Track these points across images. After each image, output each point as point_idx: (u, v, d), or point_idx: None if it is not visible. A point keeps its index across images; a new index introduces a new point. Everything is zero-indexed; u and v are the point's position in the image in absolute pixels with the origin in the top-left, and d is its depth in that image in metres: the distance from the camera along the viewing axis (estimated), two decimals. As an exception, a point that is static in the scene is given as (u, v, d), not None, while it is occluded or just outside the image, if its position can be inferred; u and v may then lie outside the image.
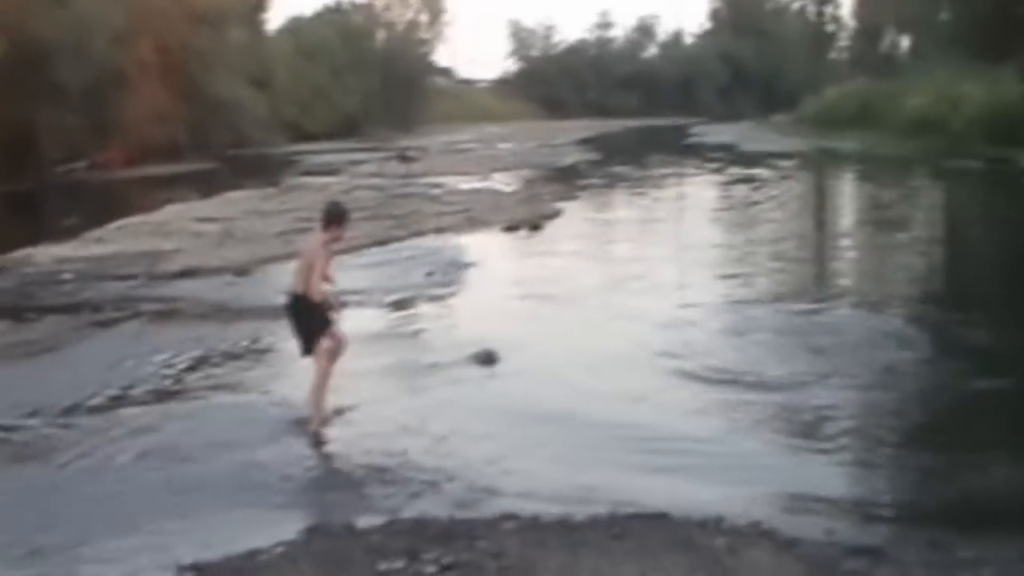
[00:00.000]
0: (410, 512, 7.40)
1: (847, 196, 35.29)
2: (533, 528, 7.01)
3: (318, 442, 9.09)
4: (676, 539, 6.73)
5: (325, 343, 9.45)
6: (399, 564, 6.41)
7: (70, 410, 10.25)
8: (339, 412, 9.66)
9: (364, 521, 7.25)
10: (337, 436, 9.24)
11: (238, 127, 60.76)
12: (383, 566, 6.39)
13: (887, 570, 6.31)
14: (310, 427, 9.25)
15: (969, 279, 18.43)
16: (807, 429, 9.34)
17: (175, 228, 24.38)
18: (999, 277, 18.30)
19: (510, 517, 7.19)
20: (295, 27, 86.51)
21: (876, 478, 8.34)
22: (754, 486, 7.86)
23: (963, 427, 9.55)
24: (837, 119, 60.91)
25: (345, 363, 10.05)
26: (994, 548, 6.65)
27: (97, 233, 23.80)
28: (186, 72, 54.71)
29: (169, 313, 15.33)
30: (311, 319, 9.50)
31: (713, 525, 6.92)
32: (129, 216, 26.87)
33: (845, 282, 17.55)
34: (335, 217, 9.65)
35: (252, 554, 6.77)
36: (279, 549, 6.80)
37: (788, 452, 8.83)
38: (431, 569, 6.32)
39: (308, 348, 9.54)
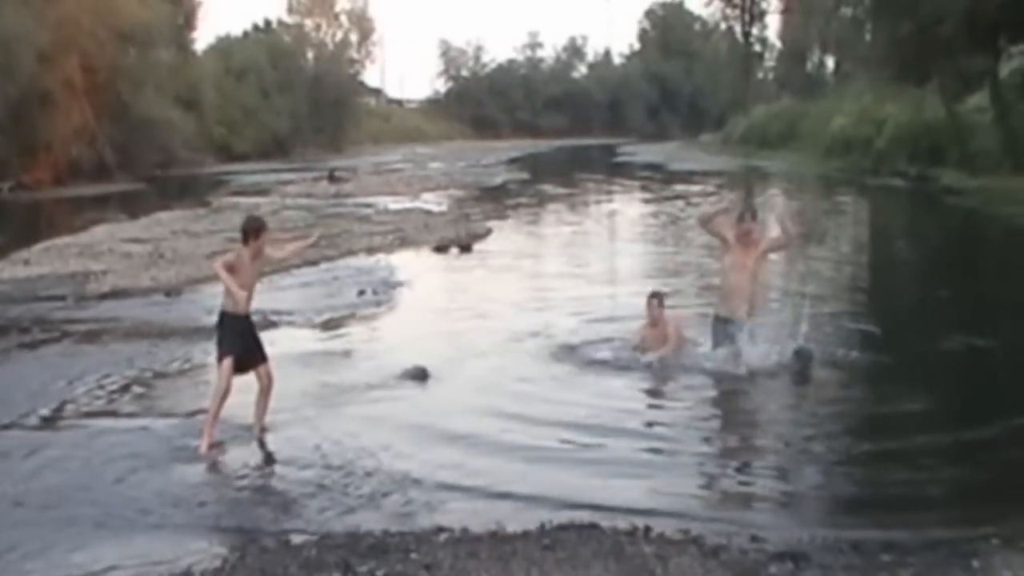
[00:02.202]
0: (344, 526, 7.47)
1: (773, 216, 35.70)
2: (465, 540, 7.11)
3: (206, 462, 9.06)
4: (606, 548, 6.86)
5: (227, 364, 9.42)
6: (333, 577, 6.49)
7: (-1, 430, 10.18)
8: (263, 431, 9.67)
9: (298, 536, 7.30)
10: (272, 453, 9.28)
11: (166, 147, 60.25)
12: (318, 579, 6.47)
13: (811, 574, 6.48)
14: (200, 448, 9.22)
15: (886, 288, 18.99)
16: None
17: (104, 249, 24.15)
18: (914, 285, 18.90)
19: (442, 530, 7.29)
20: (224, 47, 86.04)
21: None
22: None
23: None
24: (764, 139, 61.86)
25: (279, 383, 10.10)
26: (916, 551, 6.84)
27: (24, 254, 23.49)
28: (113, 91, 54.17)
29: (99, 334, 15.19)
30: (224, 331, 9.59)
31: (642, 534, 7.07)
32: (56, 237, 26.58)
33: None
34: (253, 230, 9.69)
35: (187, 571, 6.81)
36: (215, 564, 6.84)
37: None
38: (365, 581, 6.41)
39: (219, 359, 9.59)
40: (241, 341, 9.54)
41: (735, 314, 11.37)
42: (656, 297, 12.45)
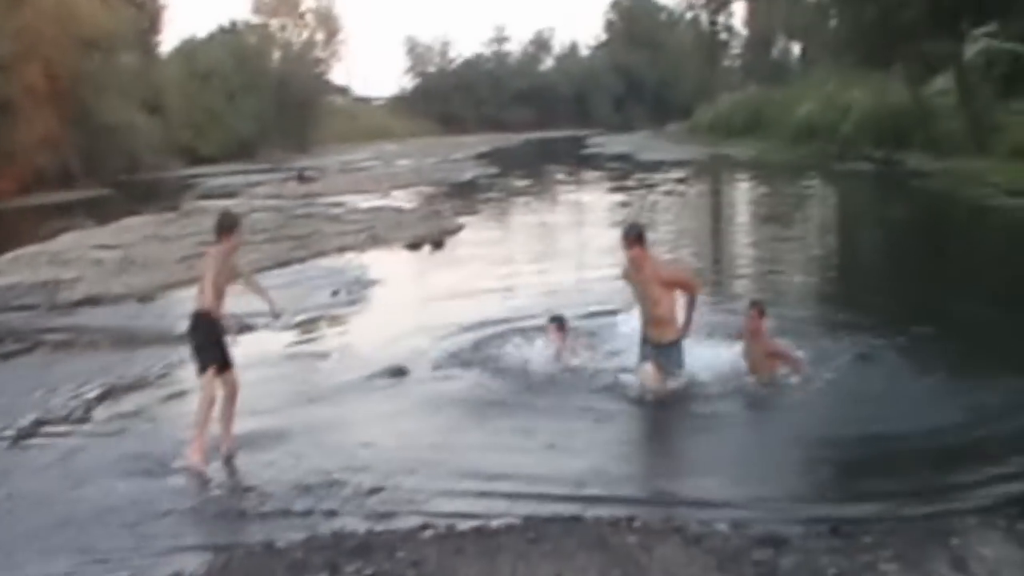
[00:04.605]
0: (328, 527, 7.49)
1: (740, 200, 35.98)
2: (450, 536, 7.16)
3: (199, 477, 8.86)
4: (590, 539, 6.92)
5: (211, 373, 9.25)
6: (321, 578, 6.53)
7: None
8: (232, 438, 9.54)
9: (283, 539, 7.32)
10: (250, 457, 9.25)
11: (132, 152, 59.99)
12: (305, 581, 6.51)
13: (792, 558, 6.55)
14: (188, 459, 9.01)
15: (852, 269, 19.23)
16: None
17: (73, 256, 24.03)
18: (880, 264, 19.35)
19: (427, 527, 7.33)
20: (188, 49, 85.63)
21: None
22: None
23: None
24: (731, 127, 62.11)
25: (256, 385, 10.12)
26: (894, 532, 6.93)
27: (-8, 264, 23.43)
28: (77, 97, 53.88)
29: (73, 342, 15.17)
30: (201, 337, 9.37)
31: (625, 524, 7.13)
32: (24, 246, 26.42)
33: (739, 282, 17.93)
34: (226, 227, 9.50)
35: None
36: (201, 570, 6.86)
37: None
38: (353, 581, 6.45)
39: (202, 368, 9.35)
40: (218, 347, 9.43)
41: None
42: (555, 321, 12.03)
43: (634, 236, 10.45)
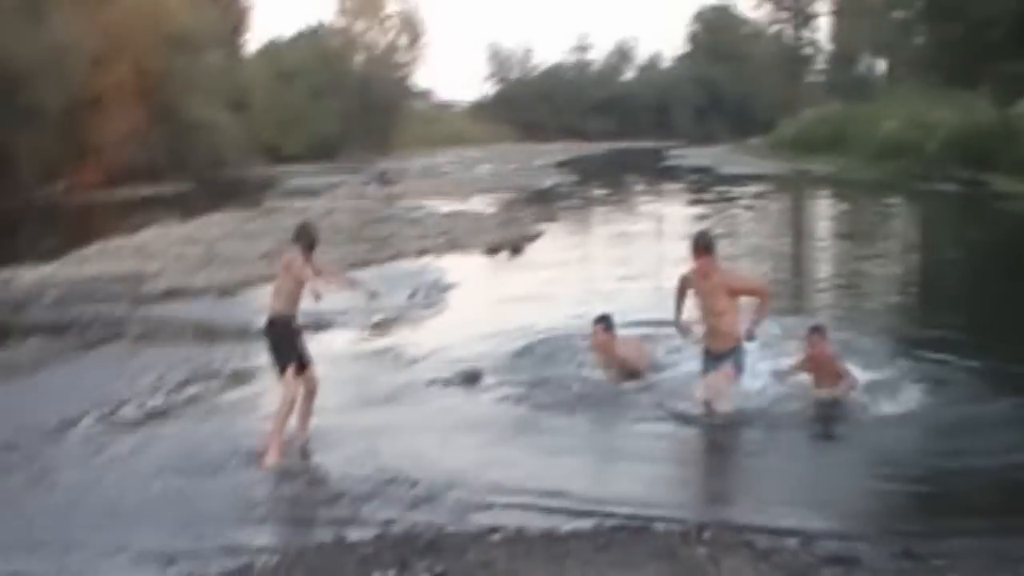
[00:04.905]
0: (400, 525, 7.58)
1: (821, 216, 35.62)
2: (519, 540, 7.21)
3: (274, 473, 8.96)
4: (659, 549, 6.94)
5: (290, 373, 9.40)
6: (391, 573, 6.60)
7: (58, 430, 10.37)
8: (307, 434, 9.72)
9: (355, 534, 7.42)
10: (324, 454, 9.39)
11: (216, 149, 60.70)
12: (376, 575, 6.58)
13: (861, 578, 6.53)
14: (266, 461, 9.08)
15: (931, 290, 19.11)
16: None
17: (157, 249, 24.44)
18: (959, 288, 19.09)
19: (497, 529, 7.39)
20: (273, 50, 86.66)
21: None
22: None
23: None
24: (813, 142, 61.38)
25: (333, 384, 10.25)
26: (965, 556, 6.86)
27: (79, 255, 23.86)
28: (164, 94, 54.69)
29: (155, 334, 15.45)
30: (276, 340, 9.55)
31: (695, 535, 7.13)
32: (110, 238, 26.89)
33: (816, 297, 17.83)
34: (304, 237, 9.65)
35: (247, 567, 6.94)
36: (273, 561, 6.97)
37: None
38: (422, 578, 6.52)
39: (281, 370, 9.51)
40: (294, 348, 9.57)
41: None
42: (601, 322, 11.68)
43: (703, 245, 10.42)
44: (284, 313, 9.54)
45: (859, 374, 10.91)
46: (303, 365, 9.61)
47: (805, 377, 10.78)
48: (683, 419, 10.19)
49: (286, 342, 9.52)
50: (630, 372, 11.39)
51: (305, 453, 9.41)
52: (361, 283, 10.37)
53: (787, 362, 11.17)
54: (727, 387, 10.18)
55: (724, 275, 10.53)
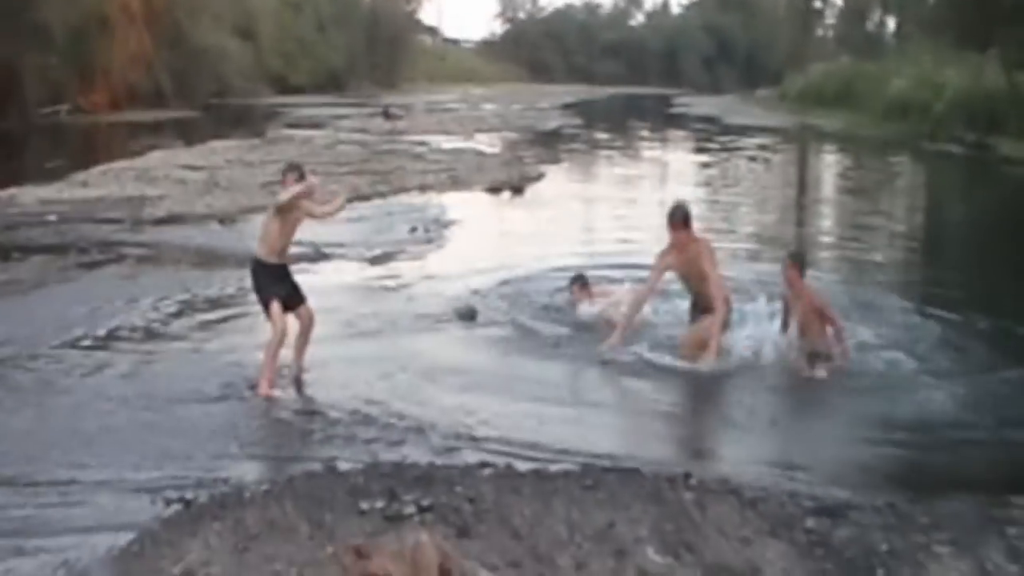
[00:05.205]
0: (390, 457, 7.64)
1: (826, 172, 35.54)
2: (508, 476, 7.26)
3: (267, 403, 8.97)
4: (646, 492, 6.98)
5: (276, 308, 9.30)
6: (380, 504, 6.64)
7: (58, 348, 10.45)
8: (301, 369, 9.67)
9: (345, 464, 7.48)
10: (319, 384, 9.44)
11: (222, 76, 60.54)
12: (364, 505, 6.62)
13: (846, 531, 6.57)
14: (260, 389, 9.08)
15: (934, 250, 19.18)
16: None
17: (160, 174, 24.45)
18: (962, 250, 19.07)
19: (486, 465, 7.45)
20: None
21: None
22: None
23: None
24: (821, 97, 61.13)
25: (329, 314, 10.30)
26: (951, 517, 6.91)
27: (82, 176, 23.88)
28: (171, 19, 54.39)
29: (155, 258, 15.52)
30: (259, 280, 9.48)
31: (682, 481, 7.19)
32: (113, 161, 26.90)
33: (819, 253, 17.82)
34: (293, 170, 9.48)
35: (237, 491, 6.98)
36: (263, 487, 7.02)
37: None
38: (410, 510, 6.55)
39: (265, 305, 9.44)
40: (281, 284, 9.49)
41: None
42: (576, 282, 11.72)
43: (679, 219, 10.26)
44: (265, 257, 9.43)
45: (858, 329, 10.89)
46: (294, 302, 9.56)
47: (793, 330, 10.29)
48: (665, 372, 10.06)
49: (269, 280, 9.43)
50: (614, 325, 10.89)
51: (298, 384, 9.45)
52: (339, 199, 10.27)
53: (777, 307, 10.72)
54: (711, 341, 9.99)
55: (702, 245, 10.39)
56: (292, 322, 9.51)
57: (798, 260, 10.44)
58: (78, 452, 7.75)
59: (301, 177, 9.37)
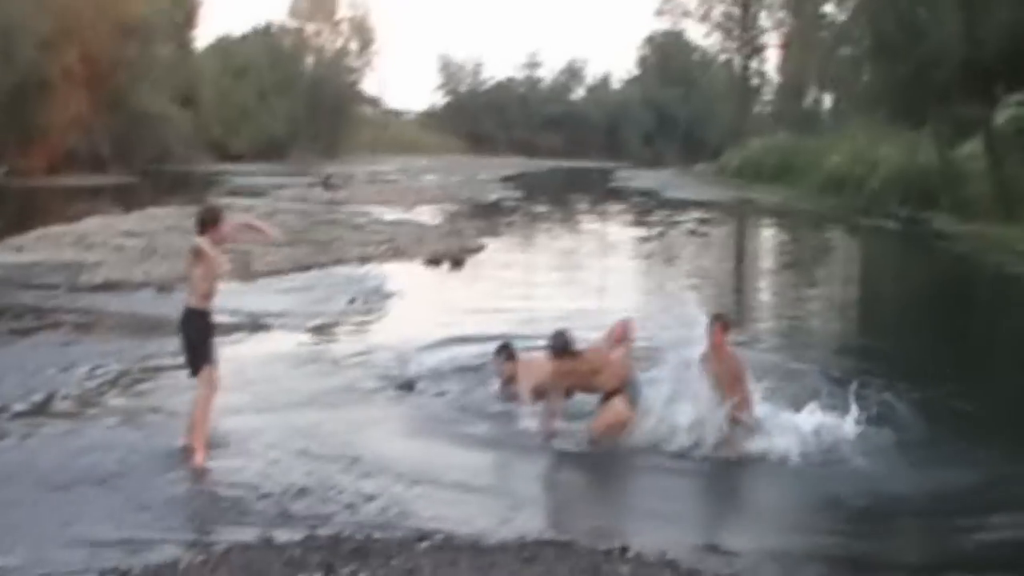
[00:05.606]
0: (327, 529, 7.59)
1: (763, 246, 35.96)
2: (446, 548, 7.24)
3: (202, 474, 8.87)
4: (583, 566, 6.99)
5: (208, 369, 9.21)
6: (317, 577, 6.62)
7: (-12, 416, 10.29)
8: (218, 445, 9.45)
9: (282, 536, 7.42)
10: (252, 456, 9.32)
11: (162, 142, 60.45)
12: (301, 578, 6.61)
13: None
14: (195, 460, 8.97)
15: (868, 323, 19.42)
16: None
17: (97, 240, 24.25)
18: (895, 324, 19.30)
19: (424, 536, 7.43)
20: (224, 46, 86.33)
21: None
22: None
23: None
24: (759, 171, 62.06)
25: (267, 384, 10.23)
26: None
27: (17, 241, 23.65)
28: (112, 83, 54.36)
29: (91, 325, 15.40)
30: (194, 335, 9.24)
31: (618, 554, 7.20)
32: (50, 225, 26.66)
33: (752, 325, 17.97)
34: (210, 220, 9.24)
35: (172, 563, 6.92)
36: (199, 558, 6.96)
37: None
38: (348, 583, 6.54)
39: (194, 368, 9.29)
40: (209, 344, 9.31)
41: None
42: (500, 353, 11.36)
43: (559, 347, 10.27)
44: (201, 307, 9.22)
45: (794, 399, 10.92)
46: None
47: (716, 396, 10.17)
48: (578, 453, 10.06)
49: (203, 337, 9.24)
50: (540, 394, 10.67)
51: (238, 452, 9.33)
52: (264, 228, 10.13)
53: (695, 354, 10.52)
54: (619, 420, 10.08)
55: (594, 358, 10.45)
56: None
57: (724, 321, 10.45)
58: (9, 524, 7.61)
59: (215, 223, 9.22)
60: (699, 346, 10.35)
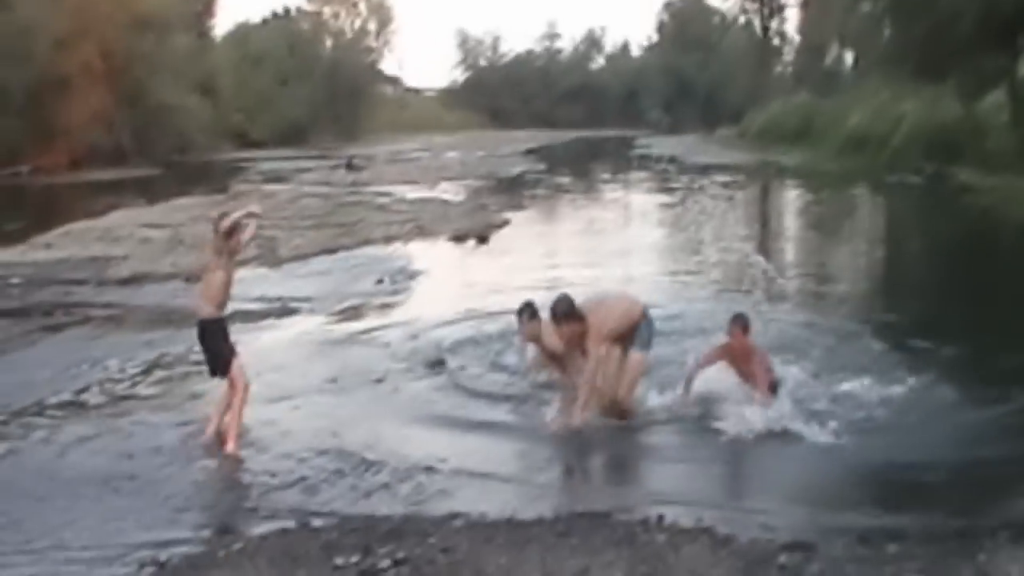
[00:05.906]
0: (362, 511, 7.63)
1: (787, 207, 35.79)
2: (481, 526, 7.26)
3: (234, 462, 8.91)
4: (619, 536, 6.99)
5: (236, 364, 9.33)
6: (354, 559, 6.63)
7: (21, 413, 10.35)
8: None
9: (318, 520, 7.46)
10: (288, 440, 9.36)
11: (183, 133, 60.58)
12: (339, 561, 6.62)
13: (818, 565, 6.59)
14: (227, 448, 9.03)
15: (894, 281, 19.40)
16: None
17: (123, 234, 24.37)
18: (921, 280, 19.33)
19: (459, 515, 7.45)
20: (242, 34, 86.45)
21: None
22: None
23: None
24: (781, 134, 61.76)
25: (298, 368, 10.25)
26: (920, 544, 6.94)
27: (44, 238, 23.74)
28: (131, 77, 54.51)
29: (120, 318, 15.45)
30: (212, 342, 9.37)
31: (655, 523, 7.21)
32: (75, 221, 26.78)
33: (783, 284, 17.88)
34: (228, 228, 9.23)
35: (210, 551, 6.97)
36: (236, 546, 7.00)
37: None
38: (385, 563, 6.54)
39: (221, 371, 9.41)
40: (231, 343, 9.44)
41: None
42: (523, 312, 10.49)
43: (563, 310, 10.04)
44: (216, 316, 9.33)
45: (822, 361, 10.90)
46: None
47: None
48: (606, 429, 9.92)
49: (220, 341, 9.36)
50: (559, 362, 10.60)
51: (273, 438, 9.37)
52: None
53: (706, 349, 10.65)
54: (637, 373, 10.04)
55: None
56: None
57: (744, 322, 10.24)
58: (48, 519, 7.68)
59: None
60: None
